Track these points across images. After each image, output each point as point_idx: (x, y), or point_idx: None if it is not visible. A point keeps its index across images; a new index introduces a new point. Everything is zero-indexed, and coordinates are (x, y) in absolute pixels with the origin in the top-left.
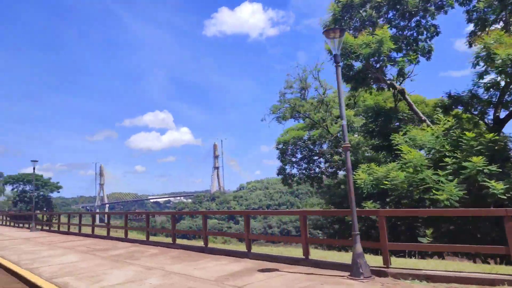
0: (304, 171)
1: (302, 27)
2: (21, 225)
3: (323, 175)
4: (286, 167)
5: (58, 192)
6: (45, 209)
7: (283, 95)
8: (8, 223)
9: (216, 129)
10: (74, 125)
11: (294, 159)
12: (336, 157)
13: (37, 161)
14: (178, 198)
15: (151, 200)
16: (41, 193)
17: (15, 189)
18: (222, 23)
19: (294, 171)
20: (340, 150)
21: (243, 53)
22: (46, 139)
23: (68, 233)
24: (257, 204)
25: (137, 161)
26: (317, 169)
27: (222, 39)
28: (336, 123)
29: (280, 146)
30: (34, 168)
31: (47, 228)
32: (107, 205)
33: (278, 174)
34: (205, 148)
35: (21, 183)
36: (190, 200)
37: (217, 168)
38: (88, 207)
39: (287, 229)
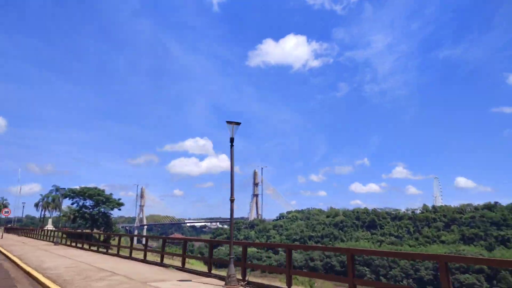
0: None
1: (345, 59)
2: (93, 248)
3: None
4: None
5: (119, 209)
6: (103, 228)
7: None
8: (65, 242)
9: (254, 157)
10: (118, 149)
11: None
12: None
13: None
14: (215, 223)
15: (188, 224)
16: (102, 209)
17: (74, 204)
18: (266, 54)
19: None
20: None
21: (284, 84)
22: (91, 161)
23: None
24: (298, 235)
25: (175, 185)
26: None
27: (265, 70)
28: None
29: None
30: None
31: (105, 250)
32: (145, 227)
33: None
34: (243, 175)
35: (81, 197)
36: (226, 226)
37: (256, 195)
38: (127, 228)
39: (331, 263)
